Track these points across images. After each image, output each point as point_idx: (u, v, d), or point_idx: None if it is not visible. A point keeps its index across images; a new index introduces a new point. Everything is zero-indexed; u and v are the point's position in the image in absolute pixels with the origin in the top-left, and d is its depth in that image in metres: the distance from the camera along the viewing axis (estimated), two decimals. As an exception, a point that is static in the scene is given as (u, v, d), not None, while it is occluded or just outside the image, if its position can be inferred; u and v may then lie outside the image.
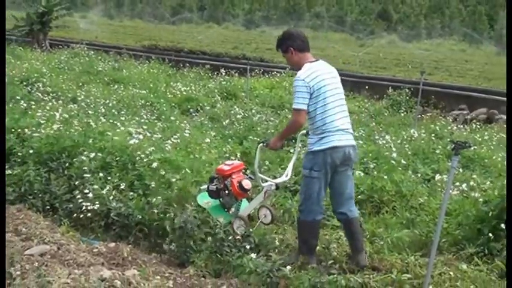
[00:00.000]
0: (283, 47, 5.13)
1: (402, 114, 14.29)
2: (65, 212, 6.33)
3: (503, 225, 5.09)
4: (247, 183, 5.61)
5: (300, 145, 5.94)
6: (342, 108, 5.01)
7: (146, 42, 28.80)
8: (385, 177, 6.96)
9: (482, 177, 7.51)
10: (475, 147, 9.32)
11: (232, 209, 5.72)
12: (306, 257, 4.98)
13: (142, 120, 9.85)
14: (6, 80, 11.65)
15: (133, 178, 6.56)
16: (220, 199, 5.72)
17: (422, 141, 9.54)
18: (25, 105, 9.55)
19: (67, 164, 6.93)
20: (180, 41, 30.35)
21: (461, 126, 13.44)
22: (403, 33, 38.31)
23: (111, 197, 6.16)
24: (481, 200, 5.84)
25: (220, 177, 5.70)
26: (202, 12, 49.33)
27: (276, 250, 5.25)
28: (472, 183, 6.87)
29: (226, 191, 5.64)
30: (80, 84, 14.02)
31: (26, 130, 7.72)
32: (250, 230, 5.48)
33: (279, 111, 12.50)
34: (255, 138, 8.66)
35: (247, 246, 5.23)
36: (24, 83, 12.57)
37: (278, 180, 5.62)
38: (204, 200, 5.82)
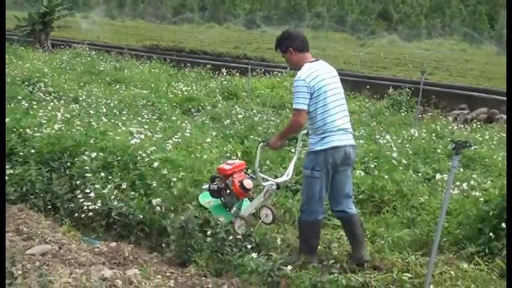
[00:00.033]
0: (283, 47, 5.13)
1: (403, 114, 14.30)
2: (67, 212, 6.33)
3: (503, 225, 5.09)
4: (248, 183, 5.61)
5: (300, 145, 5.95)
6: (342, 108, 5.01)
7: (148, 42, 28.80)
8: (386, 176, 6.97)
9: (483, 177, 7.52)
10: (476, 146, 9.33)
11: (234, 209, 5.73)
12: (307, 257, 4.99)
13: (144, 120, 9.87)
14: (8, 80, 11.69)
15: (134, 178, 6.57)
16: (222, 198, 5.73)
17: (423, 141, 9.55)
18: (27, 105, 9.57)
19: (68, 164, 6.94)
20: (181, 41, 30.34)
21: (462, 125, 13.44)
22: (404, 33, 38.30)
23: (112, 197, 6.17)
24: (481, 199, 5.85)
25: (221, 176, 5.71)
26: (203, 12, 49.39)
27: (277, 250, 5.26)
28: (472, 182, 6.88)
29: (228, 191, 5.65)
30: (82, 84, 14.04)
31: (28, 130, 7.74)
32: (251, 229, 5.48)
33: (280, 111, 12.52)
34: (256, 138, 8.66)
35: (248, 246, 5.23)
36: (26, 83, 12.59)
37: (279, 180, 5.63)
38: (206, 199, 5.83)
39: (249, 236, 5.37)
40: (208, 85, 16.26)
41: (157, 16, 47.45)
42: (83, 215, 6.14)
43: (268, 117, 11.09)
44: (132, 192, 6.33)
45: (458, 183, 6.82)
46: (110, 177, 6.54)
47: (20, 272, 4.34)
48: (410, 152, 8.65)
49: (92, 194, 6.18)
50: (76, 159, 6.91)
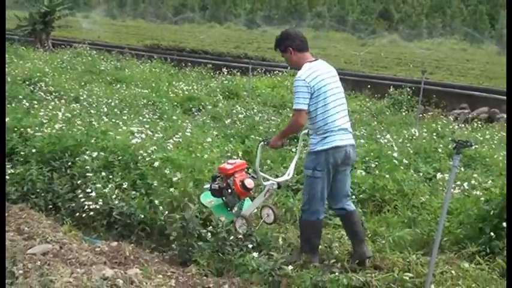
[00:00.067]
0: (282, 47, 5.13)
1: (404, 113, 14.29)
2: (68, 211, 6.33)
3: (504, 224, 5.09)
4: (249, 183, 5.62)
5: (301, 144, 5.95)
6: (342, 108, 5.02)
7: (148, 41, 28.78)
8: (387, 176, 6.98)
9: (484, 176, 7.52)
10: (477, 146, 9.33)
11: (235, 208, 5.73)
12: (308, 256, 4.99)
13: (145, 120, 9.87)
14: (9, 80, 11.70)
15: (135, 177, 6.56)
16: (223, 198, 5.73)
17: (424, 140, 9.55)
18: (28, 104, 9.57)
19: (69, 163, 6.94)
20: (182, 41, 30.33)
21: (463, 125, 13.44)
22: (405, 32, 38.34)
23: (113, 196, 6.16)
24: (482, 198, 5.84)
25: (222, 176, 5.71)
26: (204, 12, 49.41)
27: (278, 249, 5.26)
28: (473, 182, 6.88)
29: (229, 190, 5.65)
30: (83, 83, 14.04)
31: (29, 129, 7.73)
32: (252, 229, 5.49)
33: (280, 111, 12.52)
34: (257, 138, 8.67)
35: (249, 245, 5.23)
36: (27, 83, 12.59)
37: (280, 179, 5.64)
38: (207, 199, 5.83)
39: (250, 236, 5.37)
40: (209, 84, 16.26)
41: (158, 16, 47.48)
42: (84, 215, 6.14)
43: (269, 117, 11.10)
44: (133, 192, 6.33)
45: (459, 182, 6.82)
46: (110, 177, 6.53)
47: (21, 271, 4.33)
48: (411, 151, 8.65)
49: (93, 194, 6.17)
50: (77, 158, 6.90)
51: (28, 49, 20.48)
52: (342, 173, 5.04)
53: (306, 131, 5.41)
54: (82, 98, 11.56)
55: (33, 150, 7.16)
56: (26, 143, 7.46)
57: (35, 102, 9.91)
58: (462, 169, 7.94)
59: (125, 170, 6.70)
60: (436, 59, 27.00)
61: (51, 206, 6.50)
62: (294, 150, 7.97)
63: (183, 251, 5.34)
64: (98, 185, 6.28)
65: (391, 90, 16.72)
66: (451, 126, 11.97)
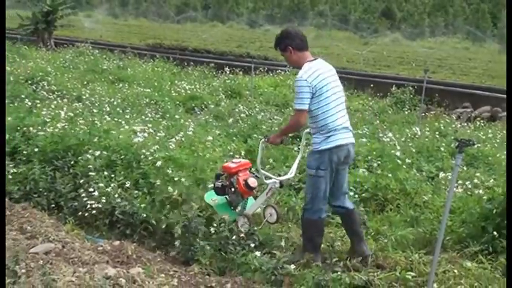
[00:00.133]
0: (282, 46, 5.14)
1: (406, 112, 14.28)
2: (70, 210, 6.34)
3: (507, 223, 5.09)
4: (253, 182, 5.62)
5: (304, 143, 5.95)
6: (343, 106, 5.06)
7: (151, 41, 28.77)
8: (389, 175, 6.97)
9: (486, 175, 7.52)
10: (479, 145, 9.32)
11: (239, 207, 5.74)
12: (311, 255, 4.99)
13: (147, 119, 9.88)
14: (12, 79, 11.72)
15: (138, 176, 6.57)
16: (227, 197, 5.74)
17: (426, 139, 9.54)
18: (30, 103, 9.58)
19: (72, 163, 6.94)
20: (184, 40, 30.31)
21: (465, 124, 13.40)
22: (407, 31, 38.26)
23: (116, 195, 6.18)
24: (485, 197, 5.85)
25: (226, 174, 5.72)
26: (206, 11, 49.37)
27: (281, 248, 5.26)
28: (476, 180, 6.88)
29: (233, 189, 5.66)
30: (85, 82, 14.06)
31: (31, 129, 7.74)
32: (255, 228, 5.49)
33: (283, 110, 12.52)
34: (260, 137, 8.64)
35: (252, 244, 5.23)
36: (29, 82, 12.60)
37: (282, 178, 5.64)
38: (211, 197, 5.84)
39: (252, 235, 5.38)
40: (211, 84, 16.26)
41: (161, 15, 47.42)
42: (86, 214, 6.15)
43: (271, 116, 11.09)
44: (136, 191, 6.34)
45: (461, 181, 6.82)
46: (113, 176, 6.54)
47: (23, 270, 4.34)
48: (414, 150, 8.64)
49: (96, 193, 6.18)
50: (79, 157, 6.91)
51: (30, 48, 20.47)
52: (342, 171, 5.09)
53: (308, 129, 5.42)
54: (84, 97, 11.57)
55: (36, 150, 7.17)
56: (28, 142, 7.47)
57: (38, 101, 9.93)
58: (465, 168, 7.93)
59: (128, 169, 6.71)
60: (439, 57, 26.94)
61: (53, 205, 6.51)
62: (296, 149, 7.97)
63: (185, 250, 5.35)
64: (101, 184, 6.29)
65: (393, 89, 16.68)
66: (453, 125, 11.96)
